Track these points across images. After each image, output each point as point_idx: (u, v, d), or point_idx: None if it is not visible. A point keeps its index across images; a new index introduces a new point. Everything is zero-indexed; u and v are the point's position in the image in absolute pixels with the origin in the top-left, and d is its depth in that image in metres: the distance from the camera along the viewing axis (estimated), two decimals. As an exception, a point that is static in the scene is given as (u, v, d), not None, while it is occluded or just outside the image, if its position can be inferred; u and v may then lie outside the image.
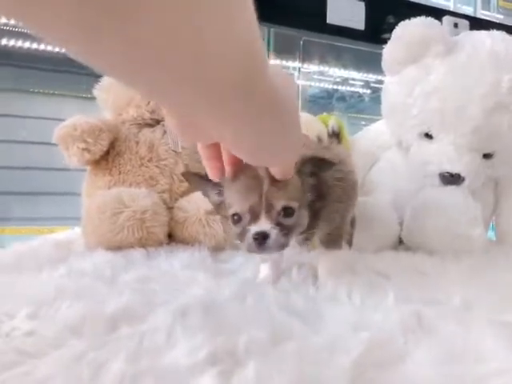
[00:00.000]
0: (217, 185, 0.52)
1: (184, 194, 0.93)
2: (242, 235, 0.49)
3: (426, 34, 0.83)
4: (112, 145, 0.95)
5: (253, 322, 0.41)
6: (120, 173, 0.93)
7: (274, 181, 0.47)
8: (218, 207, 0.55)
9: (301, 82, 2.01)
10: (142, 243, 0.80)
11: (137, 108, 0.99)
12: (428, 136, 0.88)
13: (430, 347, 0.37)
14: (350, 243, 0.81)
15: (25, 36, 1.90)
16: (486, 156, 0.86)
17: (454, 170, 0.84)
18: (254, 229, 0.48)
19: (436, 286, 0.59)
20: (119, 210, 0.78)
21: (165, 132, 0.96)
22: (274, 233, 0.47)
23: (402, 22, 0.87)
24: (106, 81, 1.06)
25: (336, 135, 0.86)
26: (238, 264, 0.72)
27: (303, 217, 0.52)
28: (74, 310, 0.43)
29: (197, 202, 0.86)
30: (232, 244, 0.83)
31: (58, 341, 0.36)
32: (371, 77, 2.21)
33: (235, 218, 0.50)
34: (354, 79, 2.22)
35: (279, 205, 0.48)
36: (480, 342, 0.38)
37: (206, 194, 0.56)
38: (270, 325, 0.40)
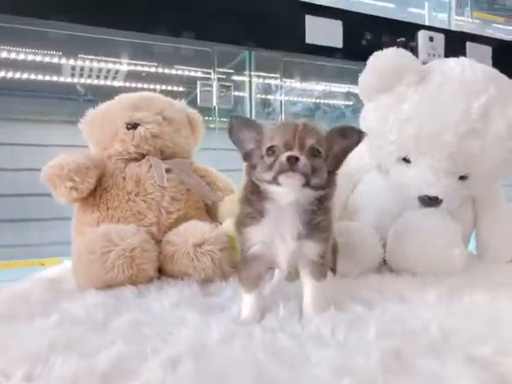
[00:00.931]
0: (258, 129, 0.62)
1: (172, 226, 0.95)
2: (272, 164, 0.57)
3: (399, 65, 0.87)
4: (99, 181, 0.97)
5: (241, 372, 0.43)
6: (108, 208, 0.94)
7: (307, 128, 0.58)
8: (247, 156, 0.63)
9: (283, 98, 2.05)
10: (133, 280, 0.81)
11: (122, 142, 1.00)
12: (406, 160, 0.91)
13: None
14: (334, 270, 0.84)
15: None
16: (462, 178, 0.90)
17: (433, 193, 0.88)
18: (287, 153, 0.56)
19: (415, 314, 0.61)
20: (108, 249, 0.80)
21: (150, 166, 0.98)
22: (303, 158, 0.56)
23: (376, 53, 0.91)
24: (89, 114, 1.08)
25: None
26: (227, 298, 0.74)
27: (323, 171, 0.59)
28: (67, 367, 0.44)
29: (185, 235, 0.88)
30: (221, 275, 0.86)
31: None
32: (351, 89, 2.26)
33: (271, 149, 0.58)
34: (334, 93, 2.27)
35: (309, 143, 0.57)
36: (455, 380, 0.41)
37: (242, 138, 0.63)
38: (258, 375, 0.42)
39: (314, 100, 2.34)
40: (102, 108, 1.08)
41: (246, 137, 0.63)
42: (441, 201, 0.88)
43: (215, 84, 1.66)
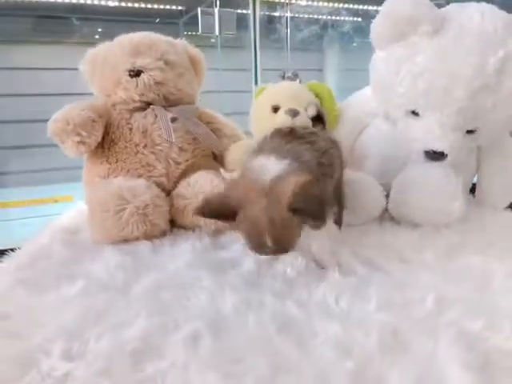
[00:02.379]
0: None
1: (181, 176, 0.97)
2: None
3: (415, 12, 0.82)
4: (106, 130, 0.97)
5: (257, 353, 0.48)
6: (117, 160, 0.96)
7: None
8: None
9: (288, 14, 1.94)
10: (147, 235, 0.85)
11: (125, 91, 0.98)
12: (414, 113, 0.90)
13: (403, 369, 0.45)
14: (339, 222, 0.87)
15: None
16: (469, 132, 0.89)
17: (439, 148, 0.88)
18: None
19: (414, 280, 0.66)
20: (121, 207, 0.83)
21: (156, 116, 0.97)
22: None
23: (390, -2, 0.85)
24: (89, 54, 1.04)
25: (319, 119, 0.87)
26: (237, 252, 0.79)
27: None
28: (101, 344, 0.50)
29: (194, 188, 0.91)
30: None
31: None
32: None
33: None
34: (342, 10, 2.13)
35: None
36: (445, 366, 0.46)
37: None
38: (272, 356, 0.48)
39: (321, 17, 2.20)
40: (102, 49, 1.04)
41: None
42: (446, 155, 0.89)
43: (217, 10, 1.55)
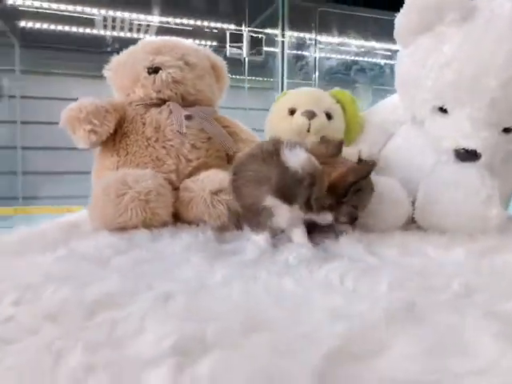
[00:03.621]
0: None
1: (191, 174, 0.92)
2: None
3: (440, 1, 0.77)
4: (119, 125, 0.96)
5: (233, 309, 0.40)
6: (127, 153, 0.93)
7: None
8: None
9: (317, 55, 1.94)
10: (147, 224, 0.80)
11: (143, 88, 0.98)
12: (442, 110, 0.83)
13: (415, 339, 0.35)
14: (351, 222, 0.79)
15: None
16: (506, 130, 0.81)
17: (470, 145, 0.79)
18: None
19: (438, 270, 0.56)
20: (123, 192, 0.78)
21: (171, 112, 0.95)
22: None
23: (416, -12, 0.81)
24: (114, 60, 1.06)
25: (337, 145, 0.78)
26: (240, 246, 0.71)
27: None
28: (57, 295, 0.43)
29: (203, 182, 0.86)
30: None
31: (33, 328, 0.37)
32: (394, 47, 2.11)
33: None
34: (374, 49, 2.12)
35: None
36: (471, 335, 0.36)
37: None
38: (249, 313, 0.39)
39: (351, 57, 2.20)
40: (125, 53, 1.05)
41: None
42: (479, 155, 0.80)
43: (245, 34, 1.58)
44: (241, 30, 1.66)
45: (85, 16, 1.77)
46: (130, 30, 1.81)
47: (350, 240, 0.69)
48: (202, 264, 0.57)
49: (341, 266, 0.53)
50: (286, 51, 1.70)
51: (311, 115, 0.95)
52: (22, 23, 1.90)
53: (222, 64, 1.11)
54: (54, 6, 1.75)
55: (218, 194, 0.83)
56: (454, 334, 0.36)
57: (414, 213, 0.85)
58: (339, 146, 0.70)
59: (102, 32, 1.88)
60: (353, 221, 0.71)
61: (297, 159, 0.63)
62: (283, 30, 1.66)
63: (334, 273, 0.51)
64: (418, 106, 0.87)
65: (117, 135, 0.95)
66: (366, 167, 0.67)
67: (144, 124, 0.94)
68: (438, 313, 0.41)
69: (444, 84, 0.79)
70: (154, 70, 0.97)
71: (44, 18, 1.83)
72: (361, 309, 0.41)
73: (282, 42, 1.65)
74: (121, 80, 1.03)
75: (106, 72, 1.07)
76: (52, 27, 1.87)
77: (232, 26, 1.75)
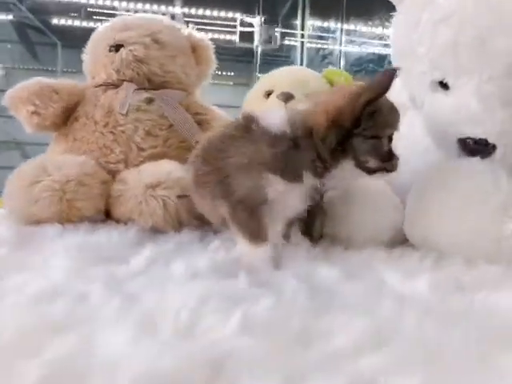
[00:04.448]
0: None
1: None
2: None
3: None
4: (75, 109, 0.85)
5: None
6: (74, 139, 0.83)
7: None
8: None
9: (343, 47, 1.72)
10: (63, 218, 0.68)
11: (104, 68, 0.87)
12: (443, 85, 0.61)
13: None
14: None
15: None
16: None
17: (479, 133, 0.57)
18: None
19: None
20: (37, 179, 0.67)
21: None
22: None
23: None
24: (89, 42, 0.97)
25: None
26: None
27: None
28: None
29: (139, 173, 0.72)
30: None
31: None
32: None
33: None
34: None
35: None
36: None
37: None
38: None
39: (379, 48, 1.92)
40: (96, 31, 0.95)
41: None
42: (493, 147, 0.57)
43: (257, 19, 1.42)
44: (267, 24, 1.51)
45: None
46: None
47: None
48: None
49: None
50: (306, 45, 1.52)
51: (287, 98, 0.77)
52: (62, 21, 1.93)
53: (206, 45, 0.97)
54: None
55: (155, 188, 0.69)
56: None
57: (403, 225, 0.64)
58: None
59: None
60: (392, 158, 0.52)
61: (278, 120, 0.51)
62: (303, 20, 1.49)
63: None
64: (414, 82, 0.65)
65: (69, 119, 0.85)
66: (384, 78, 0.49)
67: (95, 106, 0.83)
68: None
69: (440, 47, 0.57)
70: (115, 48, 0.86)
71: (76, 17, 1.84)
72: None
73: (302, 34, 1.48)
74: (88, 63, 0.93)
75: (83, 56, 0.98)
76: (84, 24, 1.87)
77: (257, 20, 1.62)
